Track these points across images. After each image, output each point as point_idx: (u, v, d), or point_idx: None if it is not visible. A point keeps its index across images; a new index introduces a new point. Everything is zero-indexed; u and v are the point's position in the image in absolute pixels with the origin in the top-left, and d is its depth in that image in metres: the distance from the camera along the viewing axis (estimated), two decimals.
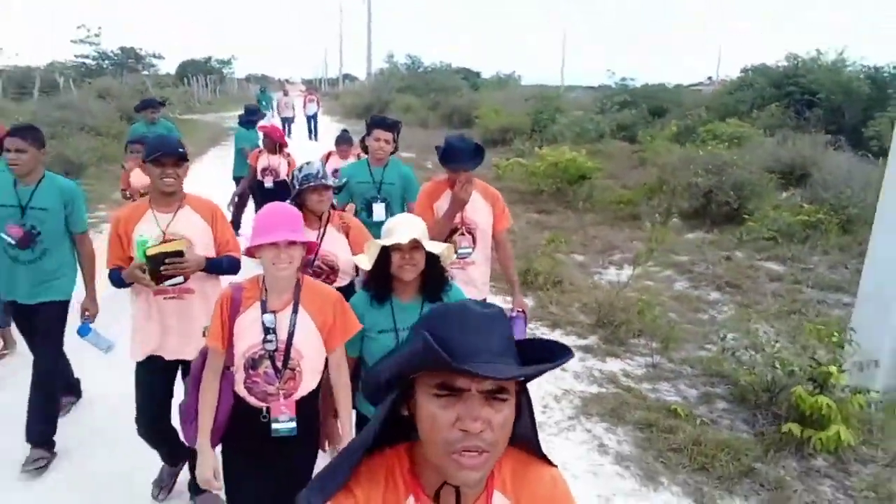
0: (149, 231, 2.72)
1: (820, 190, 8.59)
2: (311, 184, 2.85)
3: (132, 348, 2.84)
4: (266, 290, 2.14)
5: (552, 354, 0.98)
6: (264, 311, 2.12)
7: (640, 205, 9.68)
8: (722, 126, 14.59)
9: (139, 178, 5.30)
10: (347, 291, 2.95)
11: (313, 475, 1.10)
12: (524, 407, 1.05)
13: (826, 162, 9.89)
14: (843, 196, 8.18)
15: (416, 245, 2.22)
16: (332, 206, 3.12)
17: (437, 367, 0.91)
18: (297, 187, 2.88)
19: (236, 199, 7.09)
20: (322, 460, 2.40)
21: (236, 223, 6.95)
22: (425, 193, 3.40)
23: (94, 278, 3.44)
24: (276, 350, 2.11)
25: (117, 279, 2.76)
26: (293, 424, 2.14)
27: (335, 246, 3.01)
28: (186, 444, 2.39)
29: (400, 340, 2.29)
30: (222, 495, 2.40)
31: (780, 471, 3.34)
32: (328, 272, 3.01)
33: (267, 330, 2.10)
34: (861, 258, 4.95)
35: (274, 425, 2.14)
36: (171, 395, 2.90)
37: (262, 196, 6.41)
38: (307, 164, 2.96)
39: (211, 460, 2.18)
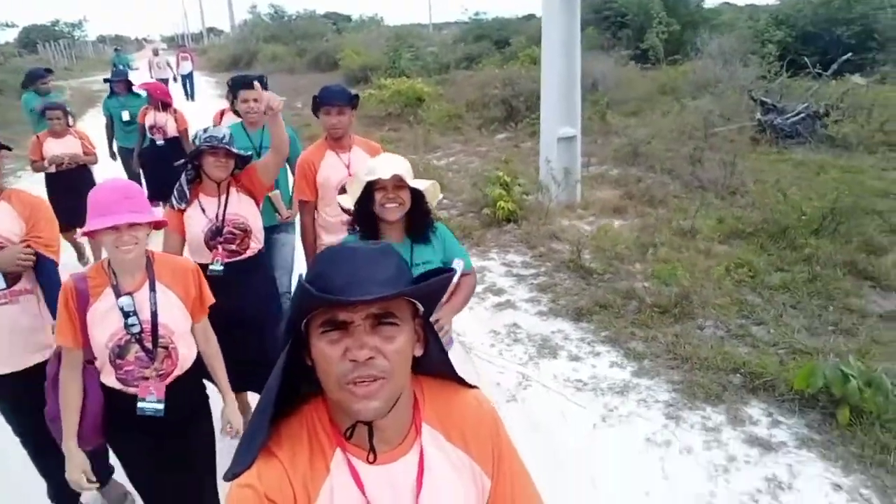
0: None
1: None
2: (211, 144, 2.68)
3: None
4: (115, 273, 2.02)
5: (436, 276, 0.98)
6: (118, 295, 2.00)
7: (463, 117, 12.49)
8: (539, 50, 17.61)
9: (55, 146, 5.26)
10: (259, 261, 3.00)
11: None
12: (430, 337, 1.05)
13: (594, 69, 13.05)
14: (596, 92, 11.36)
15: (399, 183, 2.14)
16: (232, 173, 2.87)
17: (311, 304, 0.92)
18: (196, 148, 2.72)
19: (139, 169, 6.54)
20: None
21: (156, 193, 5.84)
22: (303, 166, 3.31)
23: None
24: (141, 332, 2.01)
25: None
26: (160, 405, 2.05)
27: (242, 208, 2.87)
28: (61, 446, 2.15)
29: None
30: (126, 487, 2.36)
31: (488, 233, 6.25)
32: (241, 236, 2.88)
33: (126, 314, 1.99)
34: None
35: (140, 404, 2.04)
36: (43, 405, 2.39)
37: (152, 154, 6.19)
38: (214, 128, 2.81)
39: (79, 461, 2.07)
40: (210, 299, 2.23)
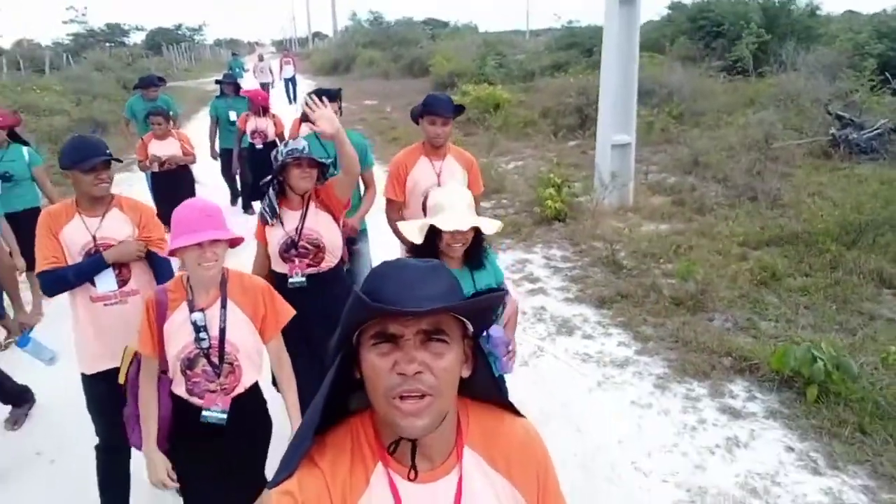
0: (78, 236, 2.55)
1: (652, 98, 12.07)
2: (295, 156, 2.75)
3: (80, 360, 2.65)
4: (191, 288, 2.12)
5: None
6: (192, 310, 2.09)
7: (537, 124, 13.02)
8: None
9: (157, 148, 5.69)
10: (338, 274, 3.04)
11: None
12: (479, 359, 1.05)
13: (669, 80, 13.21)
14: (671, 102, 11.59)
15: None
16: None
17: (366, 315, 0.92)
18: (280, 161, 2.78)
19: (237, 172, 7.15)
20: None
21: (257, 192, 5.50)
22: (397, 167, 3.41)
23: (15, 286, 3.34)
24: (209, 347, 2.10)
25: (50, 283, 2.51)
26: (224, 416, 2.14)
27: (318, 224, 2.91)
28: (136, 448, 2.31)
29: None
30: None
31: (536, 230, 6.81)
32: (314, 251, 2.92)
33: (198, 328, 2.08)
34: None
35: (204, 412, 2.13)
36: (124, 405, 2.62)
37: (253, 158, 6.60)
38: (293, 140, 2.90)
39: (161, 464, 2.18)
40: (286, 316, 2.29)
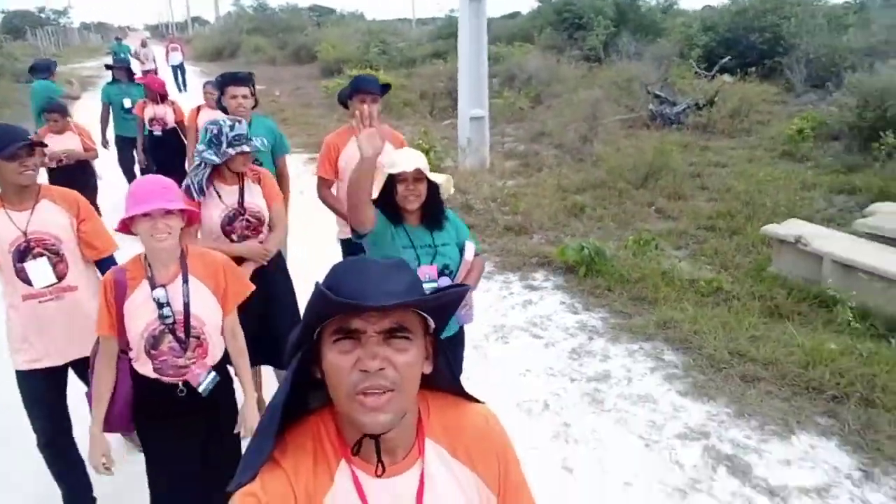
0: (5, 233, 2.40)
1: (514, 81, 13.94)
2: (243, 147, 2.80)
3: (13, 357, 2.55)
4: (150, 265, 2.09)
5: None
6: (153, 286, 2.07)
7: (415, 105, 14.56)
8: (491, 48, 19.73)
9: (55, 143, 5.29)
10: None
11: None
12: (439, 353, 1.05)
13: (529, 66, 15.21)
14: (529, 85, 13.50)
15: (419, 176, 2.38)
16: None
17: (329, 310, 0.92)
18: (225, 147, 2.78)
19: (144, 162, 6.71)
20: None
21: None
22: (328, 147, 3.50)
23: None
24: (174, 322, 2.08)
25: None
26: (213, 374, 2.17)
27: (256, 198, 2.99)
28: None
29: (419, 258, 2.46)
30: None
31: None
32: (256, 224, 2.99)
33: (160, 304, 2.06)
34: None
35: (200, 388, 2.14)
36: (64, 399, 2.66)
37: (153, 145, 6.47)
38: (237, 122, 2.86)
39: (101, 446, 2.17)
40: (245, 290, 2.30)
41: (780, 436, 3.31)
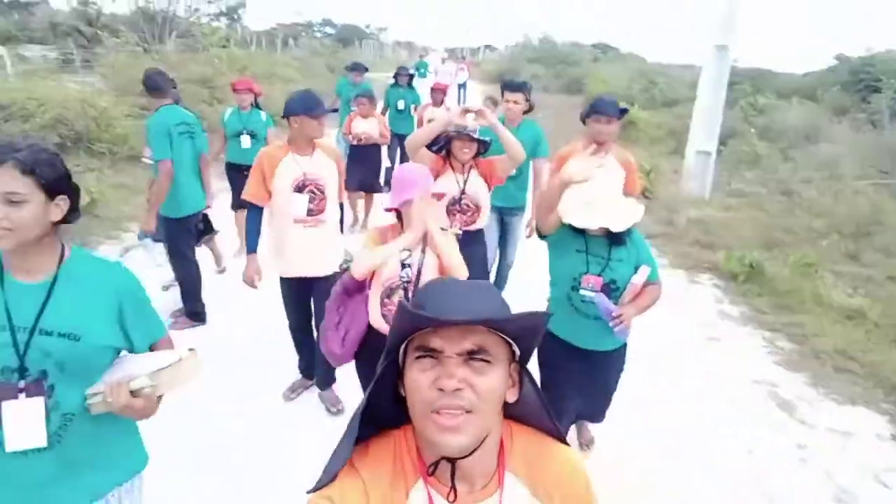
0: (291, 171, 3.15)
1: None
2: (460, 132, 3.35)
3: (279, 266, 3.36)
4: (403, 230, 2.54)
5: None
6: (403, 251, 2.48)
7: (662, 139, 15.58)
8: (761, 99, 19.60)
9: (360, 125, 6.49)
10: (480, 236, 3.69)
11: None
12: (526, 384, 1.04)
13: (788, 119, 15.14)
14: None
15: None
16: (476, 156, 3.51)
17: (408, 325, 0.93)
18: (447, 135, 3.39)
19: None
20: None
21: None
22: (560, 157, 3.75)
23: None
24: (408, 282, 2.49)
25: (252, 218, 3.27)
26: None
27: (477, 188, 3.55)
28: (329, 361, 2.71)
29: (588, 265, 2.57)
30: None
31: None
32: (473, 210, 3.57)
33: (403, 265, 2.48)
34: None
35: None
36: (310, 303, 3.48)
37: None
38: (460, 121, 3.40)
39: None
40: (462, 270, 2.51)
41: (837, 402, 4.15)
